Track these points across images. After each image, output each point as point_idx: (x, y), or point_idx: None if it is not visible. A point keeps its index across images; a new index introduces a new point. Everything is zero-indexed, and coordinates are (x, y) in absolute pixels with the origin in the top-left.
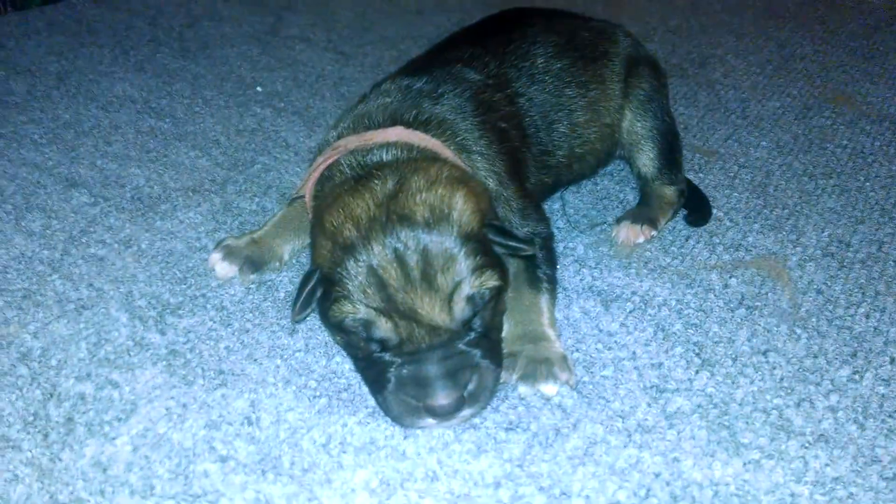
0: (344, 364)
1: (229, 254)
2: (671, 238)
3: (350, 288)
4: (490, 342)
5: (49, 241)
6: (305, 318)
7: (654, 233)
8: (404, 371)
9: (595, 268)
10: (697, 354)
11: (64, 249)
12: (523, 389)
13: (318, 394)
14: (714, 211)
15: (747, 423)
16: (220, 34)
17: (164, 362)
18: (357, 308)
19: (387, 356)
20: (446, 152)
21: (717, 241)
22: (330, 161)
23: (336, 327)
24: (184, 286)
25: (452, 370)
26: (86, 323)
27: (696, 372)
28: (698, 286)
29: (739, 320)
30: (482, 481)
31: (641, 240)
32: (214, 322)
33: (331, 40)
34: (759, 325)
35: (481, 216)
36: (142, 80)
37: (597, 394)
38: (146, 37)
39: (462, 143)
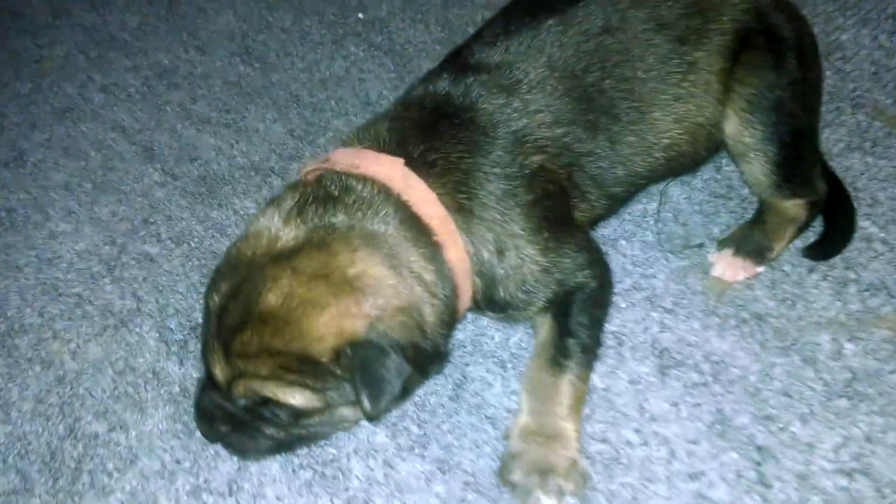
0: (339, 441)
1: None
2: (788, 268)
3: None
4: (275, 432)
5: (112, 233)
6: None
7: (760, 269)
8: None
9: (669, 311)
10: (756, 465)
11: (122, 246)
12: (517, 501)
13: (303, 465)
14: (867, 224)
15: None
16: None
17: (173, 405)
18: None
19: None
20: (435, 211)
21: (853, 275)
22: (317, 174)
23: None
24: None
25: (209, 415)
26: (118, 343)
27: (745, 492)
28: (797, 353)
29: (833, 416)
30: None
31: (742, 278)
32: None
33: None
34: (860, 426)
35: (339, 342)
36: (247, 7)
37: None
38: None
39: (465, 201)
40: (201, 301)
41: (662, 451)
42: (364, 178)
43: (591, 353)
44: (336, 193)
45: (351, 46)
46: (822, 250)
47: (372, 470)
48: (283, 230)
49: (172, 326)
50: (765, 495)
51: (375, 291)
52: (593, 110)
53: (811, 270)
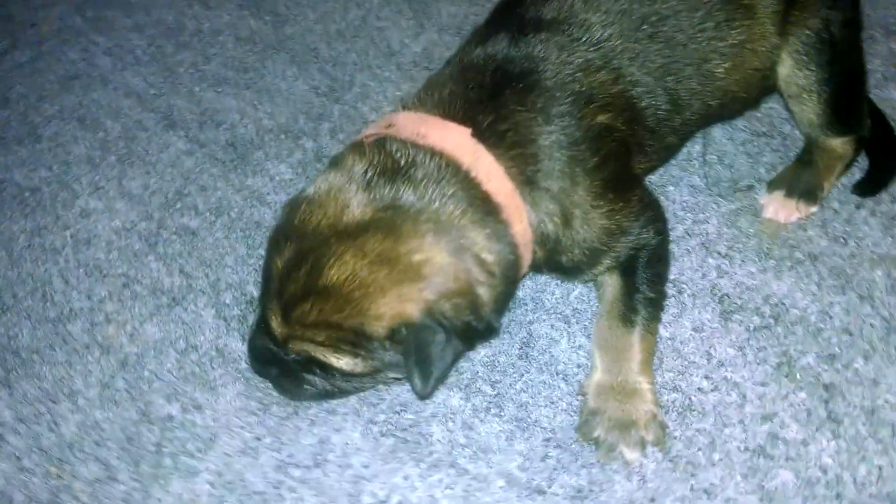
0: (416, 406)
1: None
2: (837, 205)
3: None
4: (321, 383)
5: (147, 207)
6: None
7: (813, 209)
8: None
9: (724, 256)
10: (825, 403)
11: (160, 221)
12: (600, 456)
13: (383, 432)
14: None
15: None
16: None
17: (243, 382)
18: None
19: None
20: (503, 186)
21: None
22: (377, 137)
23: None
24: None
25: (262, 357)
26: (175, 323)
27: (816, 430)
28: (853, 290)
29: (894, 351)
30: None
31: (795, 218)
32: None
33: None
34: None
35: (395, 323)
36: None
37: (686, 457)
38: None
39: (532, 173)
40: (253, 274)
41: (734, 396)
42: (432, 151)
43: (657, 306)
44: (403, 166)
45: None
46: (869, 186)
47: (452, 433)
48: (350, 202)
49: (227, 301)
50: (836, 431)
51: (436, 277)
52: (652, 62)
53: (859, 207)
